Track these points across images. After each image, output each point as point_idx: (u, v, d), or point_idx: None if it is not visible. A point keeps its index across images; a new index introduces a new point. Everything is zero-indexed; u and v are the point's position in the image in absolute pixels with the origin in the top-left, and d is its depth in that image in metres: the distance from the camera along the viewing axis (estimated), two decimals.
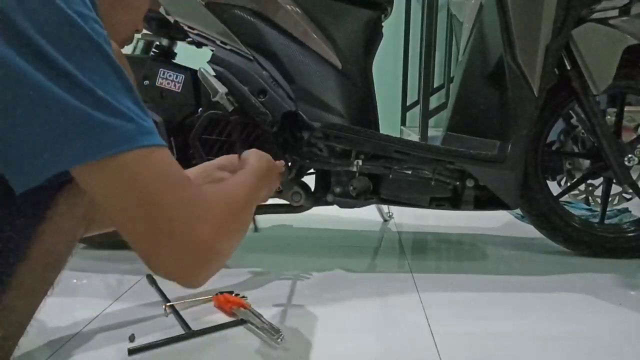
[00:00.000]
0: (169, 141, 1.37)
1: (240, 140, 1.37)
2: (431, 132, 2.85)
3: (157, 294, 1.24)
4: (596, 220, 1.63)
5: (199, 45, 1.43)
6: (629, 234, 1.54)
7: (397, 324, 1.10)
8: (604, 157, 1.45)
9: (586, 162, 1.55)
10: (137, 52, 1.51)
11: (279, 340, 0.98)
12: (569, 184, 1.58)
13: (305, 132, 1.36)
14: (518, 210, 1.80)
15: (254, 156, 0.89)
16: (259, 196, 0.83)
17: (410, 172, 1.40)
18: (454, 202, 1.45)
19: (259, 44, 1.33)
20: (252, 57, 1.33)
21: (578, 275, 1.41)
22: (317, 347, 0.99)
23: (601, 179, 1.59)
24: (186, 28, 1.35)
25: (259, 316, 1.06)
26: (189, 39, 1.43)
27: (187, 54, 1.56)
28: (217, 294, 1.17)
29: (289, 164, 1.40)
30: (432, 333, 1.05)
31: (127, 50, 1.51)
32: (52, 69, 0.51)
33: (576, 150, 1.57)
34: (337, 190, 1.42)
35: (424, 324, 1.09)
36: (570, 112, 1.54)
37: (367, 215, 1.92)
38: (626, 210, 1.94)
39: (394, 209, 2.03)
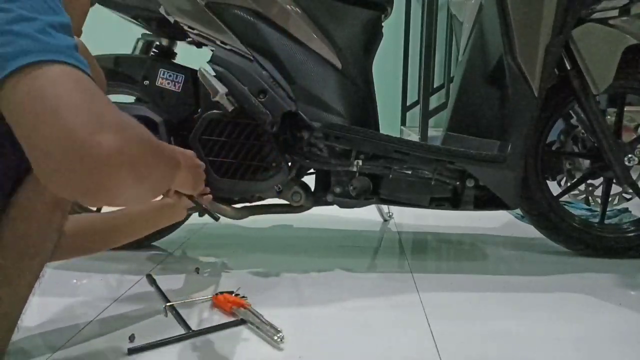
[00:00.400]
0: (169, 141, 1.37)
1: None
2: (431, 132, 2.85)
3: (157, 294, 1.24)
4: (596, 220, 1.63)
5: (199, 45, 1.43)
6: (629, 234, 1.54)
7: (397, 324, 1.10)
8: (604, 157, 1.45)
9: (586, 162, 1.55)
10: (137, 52, 1.51)
11: (279, 340, 0.98)
12: (569, 184, 1.58)
13: (305, 132, 1.36)
14: (518, 210, 1.80)
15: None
16: (177, 166, 0.76)
17: (410, 172, 1.41)
18: (454, 202, 1.45)
19: (259, 44, 1.33)
20: (252, 57, 1.33)
21: (578, 275, 1.41)
22: (317, 347, 0.99)
23: (601, 179, 1.59)
24: (186, 28, 1.35)
25: (259, 316, 1.06)
26: (189, 39, 1.43)
27: (187, 54, 1.56)
28: (217, 294, 1.17)
29: (289, 164, 1.40)
30: (432, 333, 1.05)
31: (127, 50, 1.51)
32: None
33: (576, 150, 1.57)
34: (337, 190, 1.42)
35: (424, 324, 1.09)
36: (570, 112, 1.54)
37: (367, 215, 1.92)
38: (626, 210, 1.94)
39: (394, 209, 2.03)
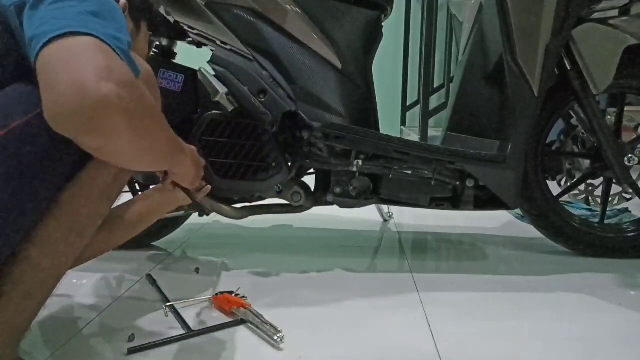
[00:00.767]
0: None
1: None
2: (431, 132, 2.86)
3: (157, 294, 1.24)
4: (596, 220, 1.63)
5: (199, 45, 1.43)
6: (629, 234, 1.55)
7: (397, 324, 1.10)
8: (604, 157, 1.45)
9: (586, 162, 1.55)
10: None
11: (279, 340, 0.98)
12: (569, 184, 1.58)
13: (305, 132, 1.36)
14: (518, 210, 1.81)
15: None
16: (180, 149, 0.89)
17: (410, 172, 1.40)
18: (454, 202, 1.45)
19: (259, 44, 1.33)
20: (252, 57, 1.33)
21: (578, 275, 1.41)
22: (317, 347, 0.99)
23: (601, 179, 1.59)
24: (186, 28, 1.35)
25: (259, 316, 1.06)
26: (189, 39, 1.43)
27: (187, 54, 1.56)
28: (217, 294, 1.18)
29: (289, 164, 1.40)
30: (432, 333, 1.05)
31: None
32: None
33: (576, 150, 1.56)
34: (337, 190, 1.42)
35: (424, 324, 1.09)
36: (570, 112, 1.54)
37: (367, 215, 1.92)
38: (626, 210, 1.94)
39: (394, 209, 2.03)
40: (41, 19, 0.68)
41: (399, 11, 3.67)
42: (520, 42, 1.29)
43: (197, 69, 1.36)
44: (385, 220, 1.98)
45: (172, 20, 1.35)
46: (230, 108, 1.30)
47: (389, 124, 3.51)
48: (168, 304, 1.14)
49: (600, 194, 1.60)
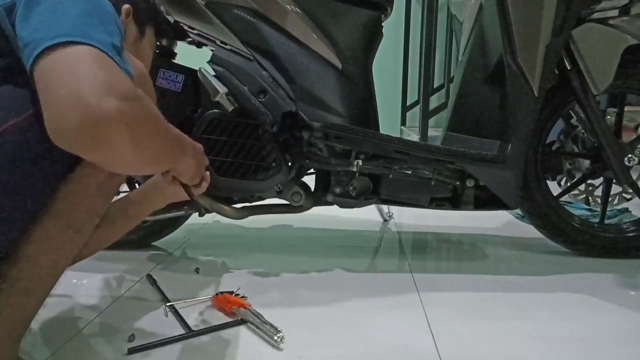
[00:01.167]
0: None
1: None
2: (431, 132, 2.85)
3: (157, 294, 1.24)
4: (596, 220, 1.63)
5: (199, 45, 1.43)
6: (629, 234, 1.55)
7: (397, 324, 1.10)
8: (604, 157, 1.45)
9: (586, 162, 1.55)
10: None
11: (279, 340, 0.98)
12: (569, 184, 1.58)
13: (305, 132, 1.36)
14: (518, 210, 1.81)
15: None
16: (182, 149, 0.87)
17: (410, 172, 1.40)
18: (454, 202, 1.45)
19: (259, 44, 1.33)
20: (252, 57, 1.33)
21: (578, 275, 1.41)
22: (317, 347, 0.99)
23: (601, 179, 1.59)
24: (186, 28, 1.35)
25: (259, 316, 1.06)
26: (189, 39, 1.43)
27: (187, 54, 1.56)
28: (217, 294, 1.18)
29: (289, 163, 1.40)
30: (432, 333, 1.05)
31: None
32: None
33: (576, 150, 1.57)
34: (337, 190, 1.42)
35: (424, 324, 1.09)
36: (570, 112, 1.54)
37: (367, 215, 1.92)
38: (626, 210, 1.94)
39: (394, 209, 2.03)
40: (37, 22, 0.67)
41: (399, 11, 3.67)
42: (520, 42, 1.29)
43: (197, 69, 1.36)
44: (385, 220, 1.98)
45: (172, 20, 1.35)
46: (230, 108, 1.30)
47: (389, 124, 3.51)
48: (168, 304, 1.14)
49: (600, 194, 1.60)
